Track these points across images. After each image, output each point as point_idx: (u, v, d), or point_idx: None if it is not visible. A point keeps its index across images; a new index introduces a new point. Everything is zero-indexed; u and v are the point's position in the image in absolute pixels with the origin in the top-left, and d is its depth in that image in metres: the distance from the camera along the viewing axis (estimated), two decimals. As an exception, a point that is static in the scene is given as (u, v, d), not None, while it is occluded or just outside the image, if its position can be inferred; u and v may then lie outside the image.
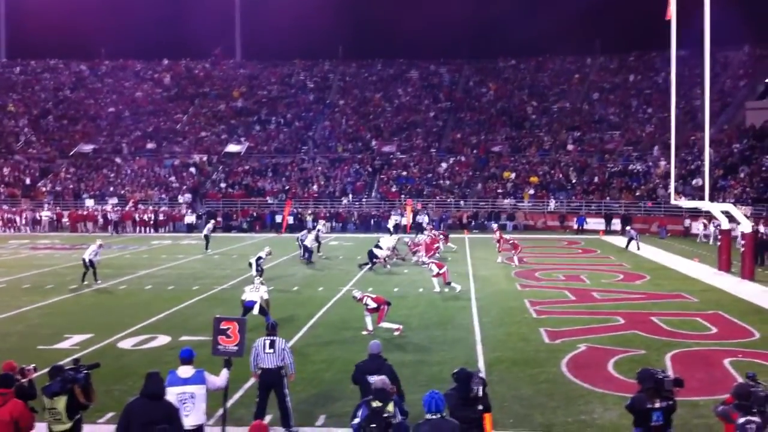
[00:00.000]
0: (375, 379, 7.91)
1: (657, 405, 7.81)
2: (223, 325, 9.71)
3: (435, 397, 7.24)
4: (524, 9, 73.19)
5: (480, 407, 8.02)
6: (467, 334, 16.72)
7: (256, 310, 16.34)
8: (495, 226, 34.95)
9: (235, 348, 9.58)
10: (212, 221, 38.86)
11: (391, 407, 7.54)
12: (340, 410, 10.92)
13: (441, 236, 33.36)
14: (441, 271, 22.51)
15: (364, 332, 16.35)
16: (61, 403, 8.12)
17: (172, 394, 8.32)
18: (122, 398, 9.04)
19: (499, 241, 30.65)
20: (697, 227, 40.71)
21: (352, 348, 14.61)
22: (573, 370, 13.47)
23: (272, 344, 10.39)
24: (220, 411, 9.76)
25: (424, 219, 45.39)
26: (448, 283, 22.38)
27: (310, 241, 30.44)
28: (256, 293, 16.72)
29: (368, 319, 16.58)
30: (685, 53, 45.13)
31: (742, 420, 7.24)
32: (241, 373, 11.05)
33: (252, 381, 11.06)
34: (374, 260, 27.86)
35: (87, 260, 24.05)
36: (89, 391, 8.33)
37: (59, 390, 8.13)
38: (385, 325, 16.42)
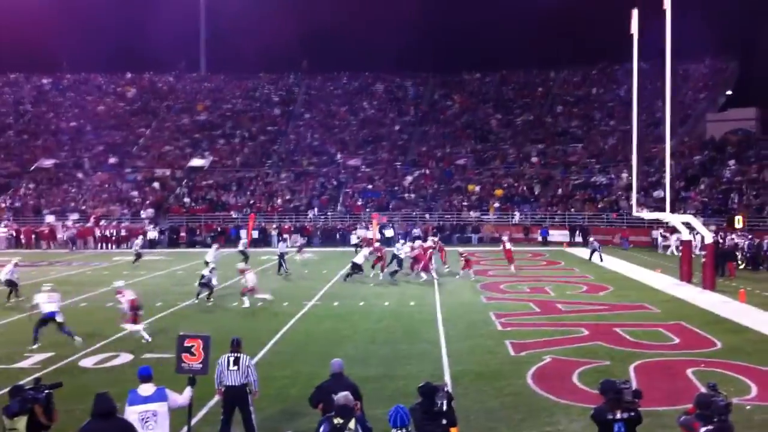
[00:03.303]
0: (338, 396, 7.85)
1: (618, 416, 7.81)
2: (187, 343, 9.56)
3: (400, 412, 7.22)
4: (488, 23, 73.97)
5: (444, 421, 8.00)
6: (433, 347, 16.71)
7: (60, 318, 16.88)
8: (461, 250, 32.63)
9: (200, 366, 9.42)
10: (141, 237, 38.57)
11: (352, 424, 7.50)
12: (306, 426, 10.81)
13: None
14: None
15: (144, 341, 17.10)
16: (21, 423, 7.96)
17: (134, 413, 8.25)
18: (83, 418, 8.85)
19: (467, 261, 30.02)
20: (658, 238, 41.32)
21: (318, 363, 14.43)
22: (538, 382, 13.53)
23: (236, 361, 10.28)
24: (185, 429, 9.63)
25: (388, 232, 45.29)
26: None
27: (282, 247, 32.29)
28: (53, 304, 17.03)
29: (129, 326, 17.44)
30: (646, 66, 45.81)
31: (703, 429, 7.32)
32: (206, 391, 10.93)
33: (217, 398, 10.94)
34: (358, 270, 27.92)
35: (4, 280, 23.77)
36: (51, 411, 8.19)
37: (18, 410, 7.97)
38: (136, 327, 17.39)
